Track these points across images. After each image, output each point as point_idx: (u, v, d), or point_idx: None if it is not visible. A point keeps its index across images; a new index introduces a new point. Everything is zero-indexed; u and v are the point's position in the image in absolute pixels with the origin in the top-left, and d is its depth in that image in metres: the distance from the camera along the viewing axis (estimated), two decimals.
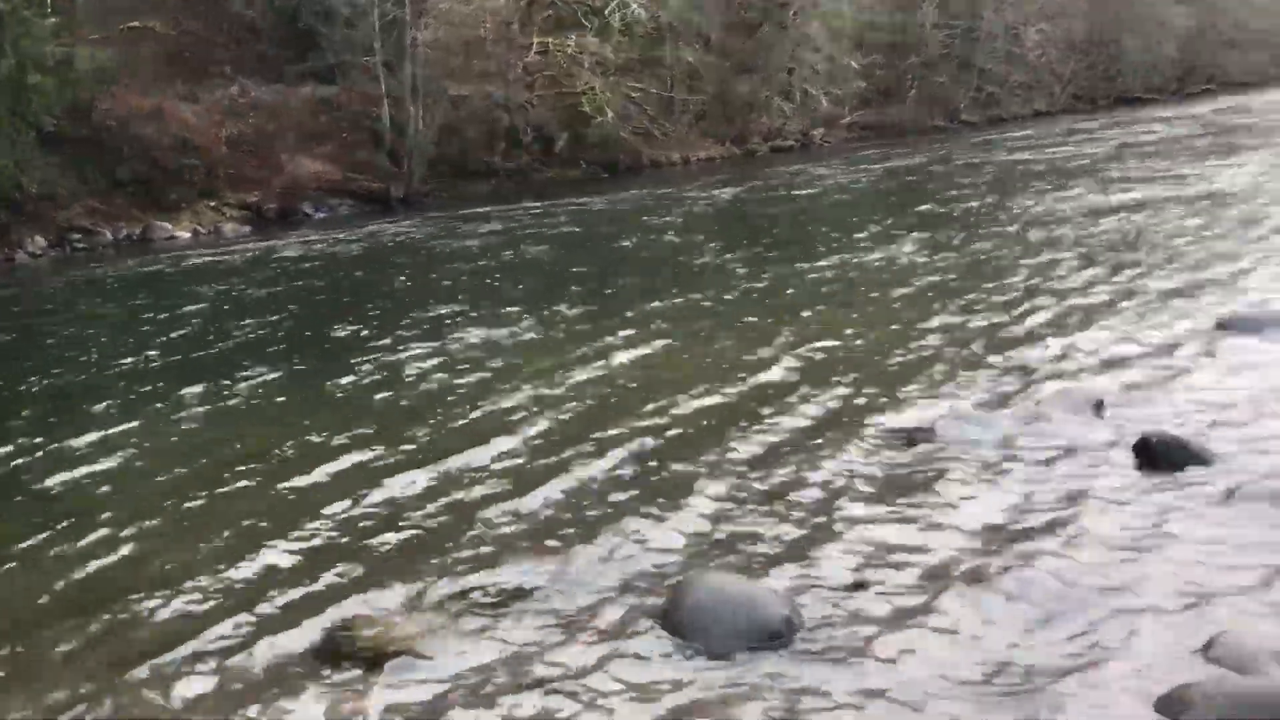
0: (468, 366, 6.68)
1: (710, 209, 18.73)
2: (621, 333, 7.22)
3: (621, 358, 6.53)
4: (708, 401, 5.12)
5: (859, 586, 2.93)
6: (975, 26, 43.80)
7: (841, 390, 5.16)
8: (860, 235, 11.38)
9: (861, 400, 4.93)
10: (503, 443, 4.77)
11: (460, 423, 5.21)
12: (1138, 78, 50.47)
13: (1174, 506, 3.41)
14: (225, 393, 6.54)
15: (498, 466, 4.53)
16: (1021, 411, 4.45)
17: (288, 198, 26.95)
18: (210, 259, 18.27)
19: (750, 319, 7.27)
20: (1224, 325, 5.55)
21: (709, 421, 4.82)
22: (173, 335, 9.03)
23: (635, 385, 5.75)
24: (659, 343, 6.78)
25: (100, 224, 23.23)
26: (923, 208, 14.68)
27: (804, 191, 20.96)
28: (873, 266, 9.08)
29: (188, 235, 23.89)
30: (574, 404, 5.43)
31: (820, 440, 4.40)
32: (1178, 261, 7.85)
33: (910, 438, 4.20)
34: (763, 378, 5.47)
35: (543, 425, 5.06)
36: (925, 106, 43.64)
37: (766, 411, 4.91)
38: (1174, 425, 4.06)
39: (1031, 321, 6.14)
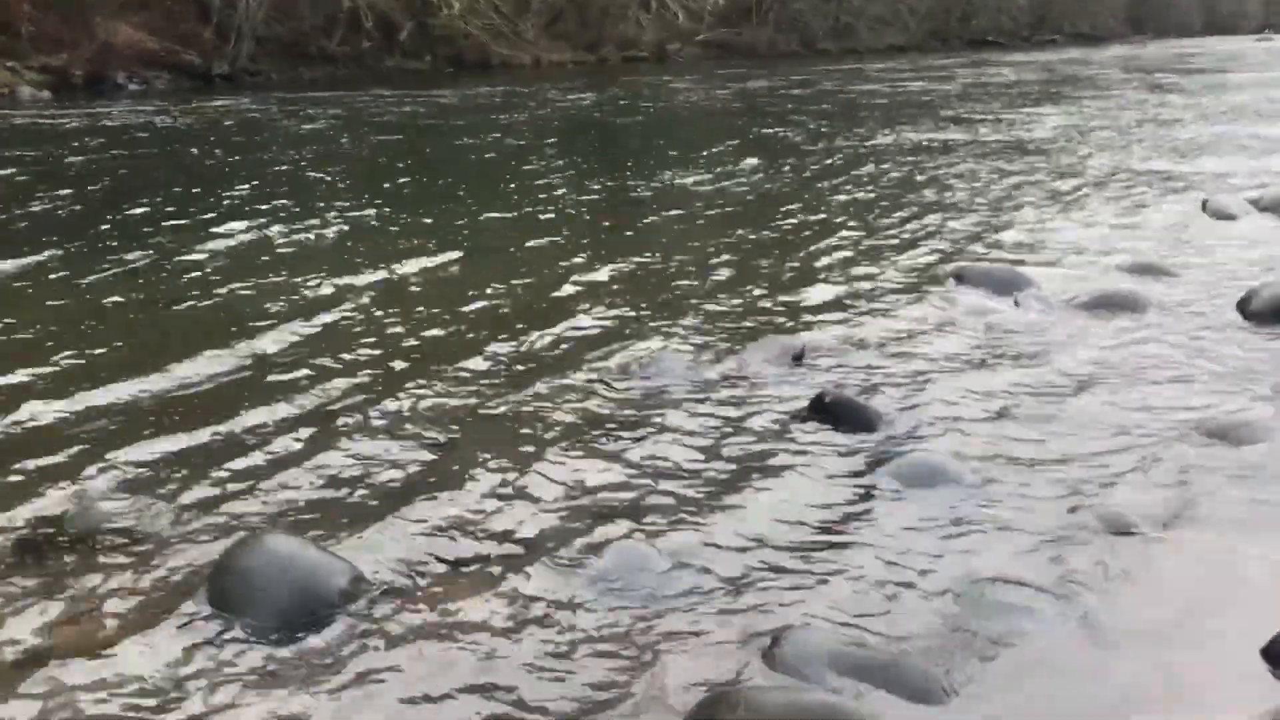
0: (244, 263, 6.13)
1: (555, 115, 18.13)
2: (419, 238, 6.77)
3: (410, 265, 6.09)
4: (439, 329, 4.74)
5: (456, 565, 2.61)
6: None
7: (581, 321, 4.83)
8: (691, 155, 11.16)
9: (591, 332, 4.61)
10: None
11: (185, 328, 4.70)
12: (990, 21, 51.32)
13: (813, 469, 3.21)
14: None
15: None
16: (726, 356, 4.19)
17: (98, 64, 25.06)
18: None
19: (550, 235, 6.90)
20: (959, 277, 5.41)
21: (432, 348, 4.44)
22: None
23: (404, 298, 5.33)
24: (452, 253, 6.36)
25: None
26: (758, 132, 14.47)
27: (652, 106, 20.46)
28: (686, 190, 8.83)
29: None
30: (326, 314, 4.98)
31: (519, 371, 4.08)
32: (961, 208, 7.78)
33: (605, 379, 3.91)
34: (506, 302, 5.11)
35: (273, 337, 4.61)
36: (783, 31, 43.45)
37: (489, 339, 4.56)
38: (861, 383, 3.85)
39: (785, 263, 5.93)
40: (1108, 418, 3.63)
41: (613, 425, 3.64)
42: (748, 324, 4.90)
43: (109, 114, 19.03)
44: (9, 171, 10.64)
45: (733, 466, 3.31)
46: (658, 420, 3.68)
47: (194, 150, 13.30)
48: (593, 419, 3.70)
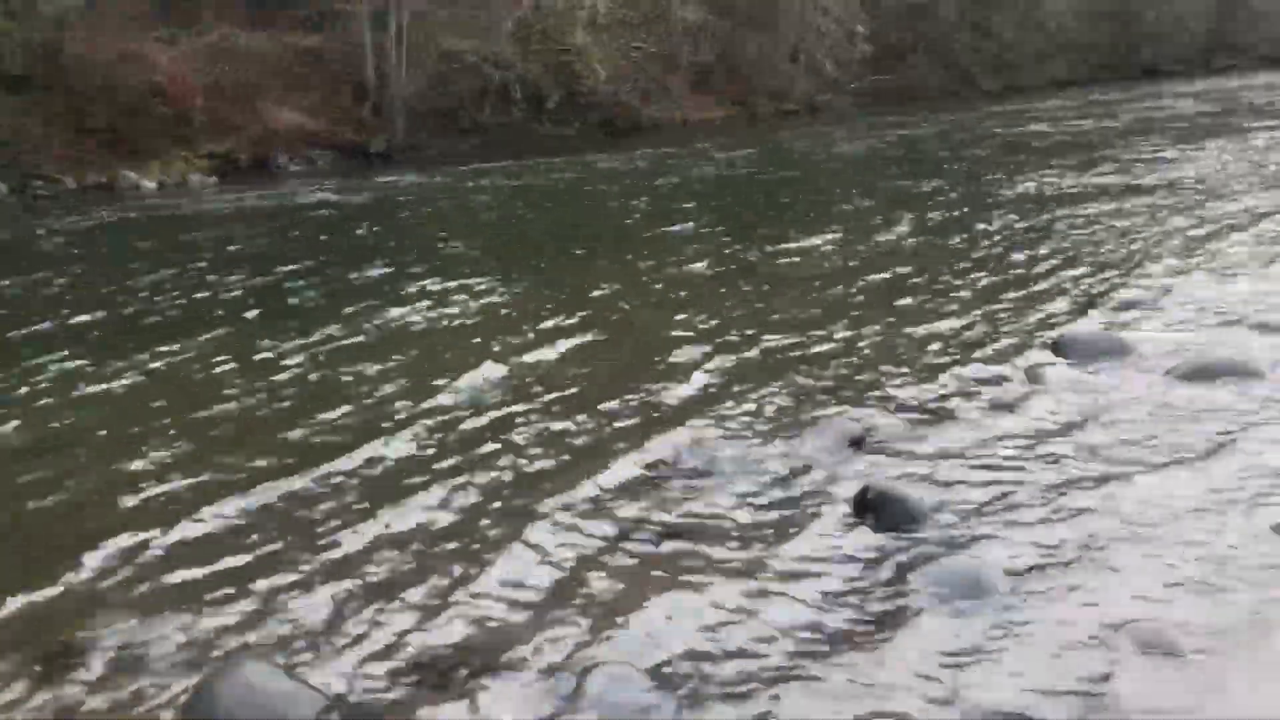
0: (395, 343, 6.15)
1: (699, 177, 18.09)
2: (562, 316, 6.63)
3: (555, 344, 5.98)
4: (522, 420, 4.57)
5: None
6: None
7: (657, 396, 4.59)
8: (816, 216, 10.87)
9: (653, 411, 4.37)
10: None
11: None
12: (1162, 50, 48.97)
13: (843, 570, 2.85)
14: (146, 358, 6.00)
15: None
16: (784, 438, 3.86)
17: (262, 147, 26.39)
18: (167, 211, 17.73)
19: (664, 309, 6.70)
20: (1056, 348, 4.91)
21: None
22: (100, 294, 8.39)
23: (537, 379, 5.20)
24: (591, 330, 6.23)
25: (65, 171, 22.77)
26: (892, 185, 14.01)
27: (797, 162, 20.20)
28: (805, 252, 8.50)
29: (154, 185, 23.40)
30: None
31: (586, 458, 3.86)
32: (1089, 261, 7.23)
33: (651, 465, 3.65)
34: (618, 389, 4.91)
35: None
36: (938, 72, 42.55)
37: (579, 420, 4.35)
38: (918, 474, 3.46)
39: (867, 330, 5.55)
40: (1178, 523, 3.12)
41: (637, 519, 3.36)
42: (820, 399, 4.54)
43: (270, 194, 19.93)
44: (176, 255, 11.11)
45: (757, 567, 3.00)
46: (693, 512, 3.39)
47: (352, 227, 13.68)
48: (620, 517, 3.42)
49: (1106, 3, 46.92)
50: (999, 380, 4.62)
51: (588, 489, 3.65)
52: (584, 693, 2.40)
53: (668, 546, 3.16)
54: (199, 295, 8.40)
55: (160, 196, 21.57)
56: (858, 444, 3.84)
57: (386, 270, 8.99)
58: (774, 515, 3.38)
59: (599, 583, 2.98)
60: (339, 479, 3.95)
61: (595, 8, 31.52)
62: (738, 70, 38.16)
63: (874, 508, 3.21)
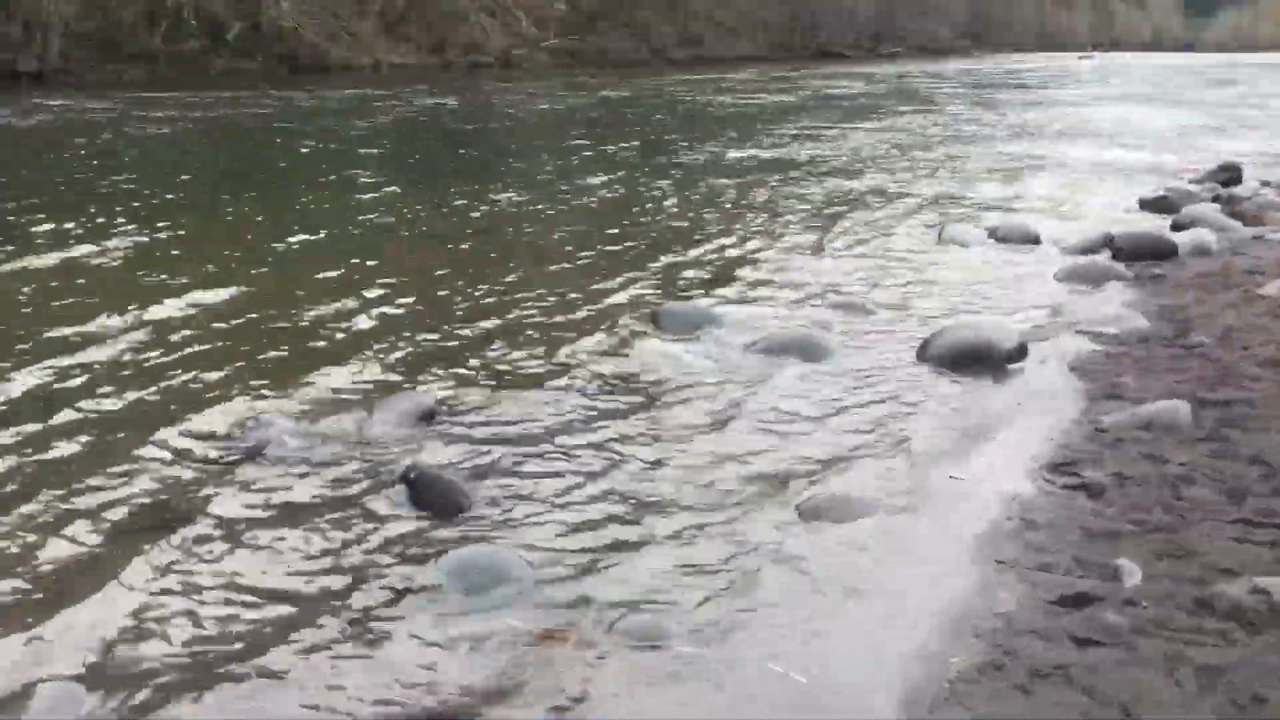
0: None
1: (399, 121, 17.59)
2: (181, 271, 6.33)
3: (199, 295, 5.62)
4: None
5: None
6: None
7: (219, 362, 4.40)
8: (496, 174, 10.88)
9: (217, 377, 4.20)
10: None
11: None
12: (835, 34, 52.30)
13: (368, 553, 2.89)
14: None
15: None
16: (351, 412, 3.83)
17: None
18: None
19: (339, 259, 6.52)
20: (655, 319, 5.16)
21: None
22: None
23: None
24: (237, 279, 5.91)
25: None
26: (576, 144, 14.24)
27: (504, 113, 20.00)
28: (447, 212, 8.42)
29: None
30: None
31: (131, 428, 3.65)
32: (691, 236, 7.59)
33: (198, 444, 3.51)
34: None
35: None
36: (632, 40, 43.46)
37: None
38: (485, 451, 3.53)
39: (463, 298, 5.64)
40: (705, 502, 3.35)
41: (164, 510, 3.23)
42: (412, 367, 4.55)
43: None
44: None
45: (283, 554, 2.96)
46: (219, 496, 3.29)
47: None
48: (149, 505, 3.28)
49: None
50: (590, 349, 4.79)
51: (119, 466, 3.49)
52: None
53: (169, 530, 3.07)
54: None
55: None
56: (428, 418, 3.87)
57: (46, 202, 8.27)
58: (317, 491, 3.35)
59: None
60: None
61: None
62: (432, 18, 37.45)
63: (416, 488, 3.25)
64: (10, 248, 6.95)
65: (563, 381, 4.40)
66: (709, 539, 3.07)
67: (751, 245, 7.43)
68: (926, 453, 3.67)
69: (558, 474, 3.51)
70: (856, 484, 3.41)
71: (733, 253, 7.18)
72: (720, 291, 5.99)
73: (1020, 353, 4.70)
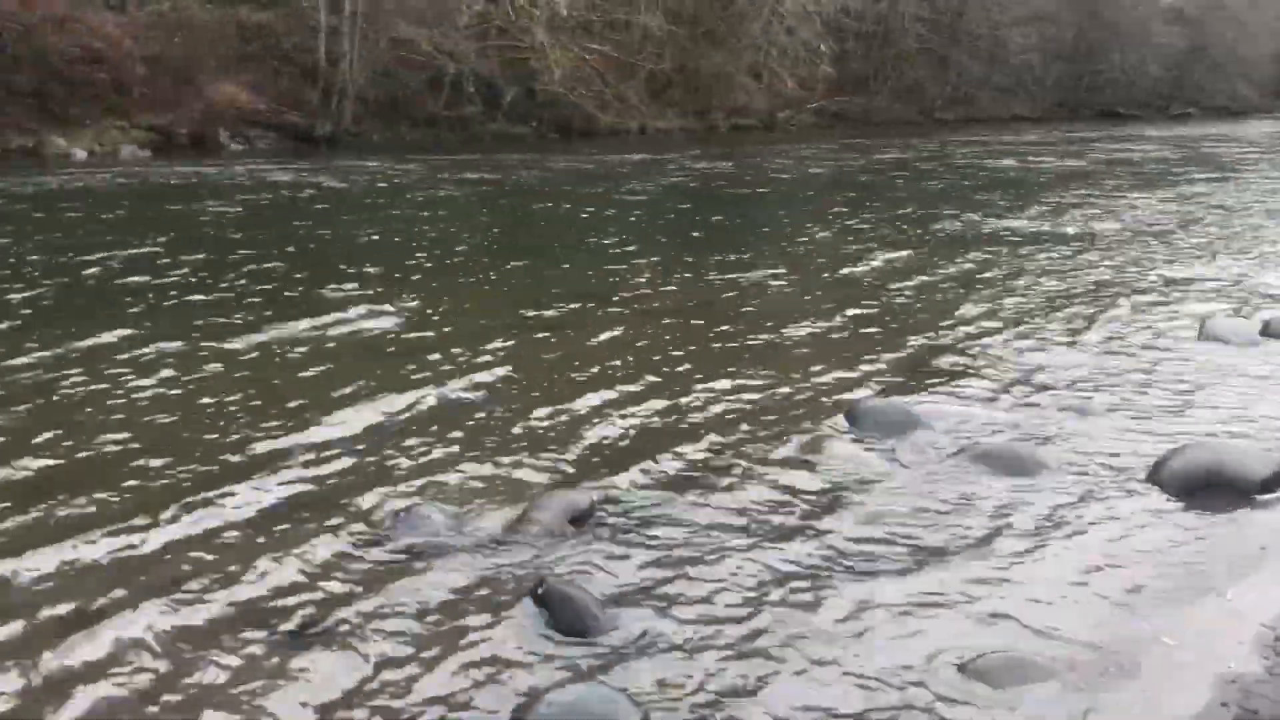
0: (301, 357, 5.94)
1: (660, 186, 17.90)
2: (501, 340, 6.47)
3: (498, 366, 5.84)
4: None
5: None
6: (957, 24, 42.72)
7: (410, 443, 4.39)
8: (756, 245, 10.73)
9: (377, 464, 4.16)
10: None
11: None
12: (1122, 93, 49.42)
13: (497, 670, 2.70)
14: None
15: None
16: (503, 509, 3.69)
17: (203, 123, 25.91)
18: (90, 182, 17.27)
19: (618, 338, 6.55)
20: (850, 416, 4.77)
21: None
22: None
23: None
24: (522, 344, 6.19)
25: None
26: (841, 211, 13.93)
27: (763, 178, 20.01)
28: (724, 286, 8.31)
29: (84, 154, 22.90)
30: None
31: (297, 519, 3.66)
32: (928, 320, 7.07)
33: (350, 530, 3.45)
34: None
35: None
36: (899, 100, 42.67)
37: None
38: (620, 561, 3.31)
39: (675, 389, 5.38)
40: (866, 638, 2.97)
41: (294, 606, 3.16)
42: (570, 461, 4.36)
43: (195, 171, 19.54)
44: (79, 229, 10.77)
45: (418, 666, 2.81)
46: (358, 593, 3.18)
47: (288, 215, 13.36)
48: (294, 602, 3.22)
49: (1070, 42, 47.25)
50: (771, 452, 4.45)
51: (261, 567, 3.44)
52: None
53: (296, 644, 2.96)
54: (94, 278, 8.22)
55: (88, 166, 21.11)
56: (581, 520, 3.66)
57: (299, 273, 8.68)
58: (447, 599, 3.18)
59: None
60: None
61: (556, 7, 31.26)
62: (697, 82, 38.05)
63: (548, 605, 3.02)
64: (272, 311, 7.26)
65: (737, 487, 4.09)
66: (850, 690, 2.69)
67: (984, 330, 6.86)
68: (1132, 606, 3.13)
69: (706, 598, 3.21)
70: (1038, 641, 2.93)
71: (961, 338, 6.64)
72: (934, 384, 5.51)
73: (1275, 482, 4.02)
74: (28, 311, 7.11)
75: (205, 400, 5.10)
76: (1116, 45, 48.13)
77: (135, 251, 9.60)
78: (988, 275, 8.99)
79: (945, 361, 6.02)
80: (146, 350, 5.99)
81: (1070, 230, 11.89)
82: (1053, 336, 6.66)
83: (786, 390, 5.44)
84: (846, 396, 5.30)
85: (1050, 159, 24.41)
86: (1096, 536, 3.63)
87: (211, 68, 27.02)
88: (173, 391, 5.24)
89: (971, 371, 5.81)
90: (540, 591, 3.07)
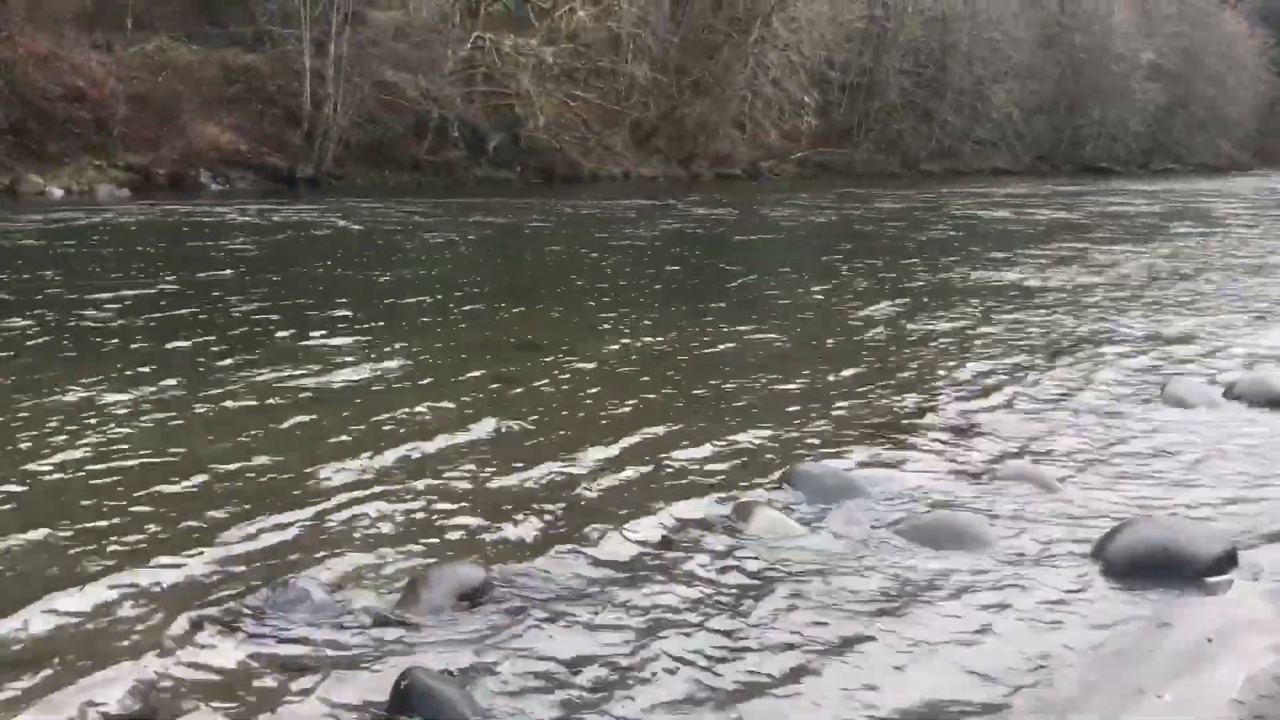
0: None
1: (642, 233, 17.78)
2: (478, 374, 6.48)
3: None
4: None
5: None
6: (941, 78, 43.01)
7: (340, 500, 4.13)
8: (766, 288, 10.50)
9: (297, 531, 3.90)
10: None
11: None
12: (1104, 148, 49.77)
13: None
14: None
15: None
16: (392, 584, 3.43)
17: (182, 164, 25.79)
18: (67, 221, 17.03)
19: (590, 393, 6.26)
20: (788, 479, 4.54)
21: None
22: None
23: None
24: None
25: None
26: (819, 262, 13.83)
27: (744, 227, 19.87)
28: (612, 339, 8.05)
29: (60, 193, 22.72)
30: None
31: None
32: (891, 374, 6.86)
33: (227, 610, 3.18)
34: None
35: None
36: (882, 151, 42.88)
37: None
38: (511, 653, 3.05)
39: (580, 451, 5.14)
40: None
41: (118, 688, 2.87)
42: (466, 529, 4.10)
43: (170, 211, 19.34)
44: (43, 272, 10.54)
45: None
46: (197, 691, 2.90)
47: (260, 254, 13.15)
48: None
49: (1051, 97, 47.63)
50: (696, 520, 4.19)
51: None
52: None
53: None
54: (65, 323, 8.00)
55: (64, 205, 20.91)
56: (471, 597, 3.39)
57: (274, 316, 8.47)
58: (299, 700, 2.90)
59: None
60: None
61: (542, 55, 31.33)
62: (682, 130, 38.17)
63: (409, 703, 2.74)
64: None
65: (651, 560, 3.83)
66: None
67: (941, 389, 6.67)
68: (1057, 708, 2.86)
69: (600, 698, 2.92)
70: None
71: (918, 397, 6.43)
72: (881, 445, 5.27)
73: (1227, 562, 3.78)
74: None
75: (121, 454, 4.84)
76: (1098, 101, 48.57)
77: (105, 294, 9.35)
78: (955, 330, 8.82)
79: (898, 422, 5.80)
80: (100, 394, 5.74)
81: (1044, 284, 11.76)
82: (1012, 398, 6.45)
83: (728, 448, 5.20)
84: (792, 455, 5.07)
85: (1032, 212, 24.41)
86: (1026, 625, 3.38)
87: (194, 108, 26.94)
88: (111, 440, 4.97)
89: (922, 433, 5.58)
90: (403, 686, 2.78)
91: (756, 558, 3.87)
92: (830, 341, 8.36)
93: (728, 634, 3.27)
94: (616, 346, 7.84)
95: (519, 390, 6.36)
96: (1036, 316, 9.62)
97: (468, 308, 9.67)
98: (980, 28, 43.53)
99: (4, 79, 22.96)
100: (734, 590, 3.61)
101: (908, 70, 42.11)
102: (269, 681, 2.93)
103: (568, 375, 6.80)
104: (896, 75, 41.67)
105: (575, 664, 3.06)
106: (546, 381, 6.59)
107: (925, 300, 10.51)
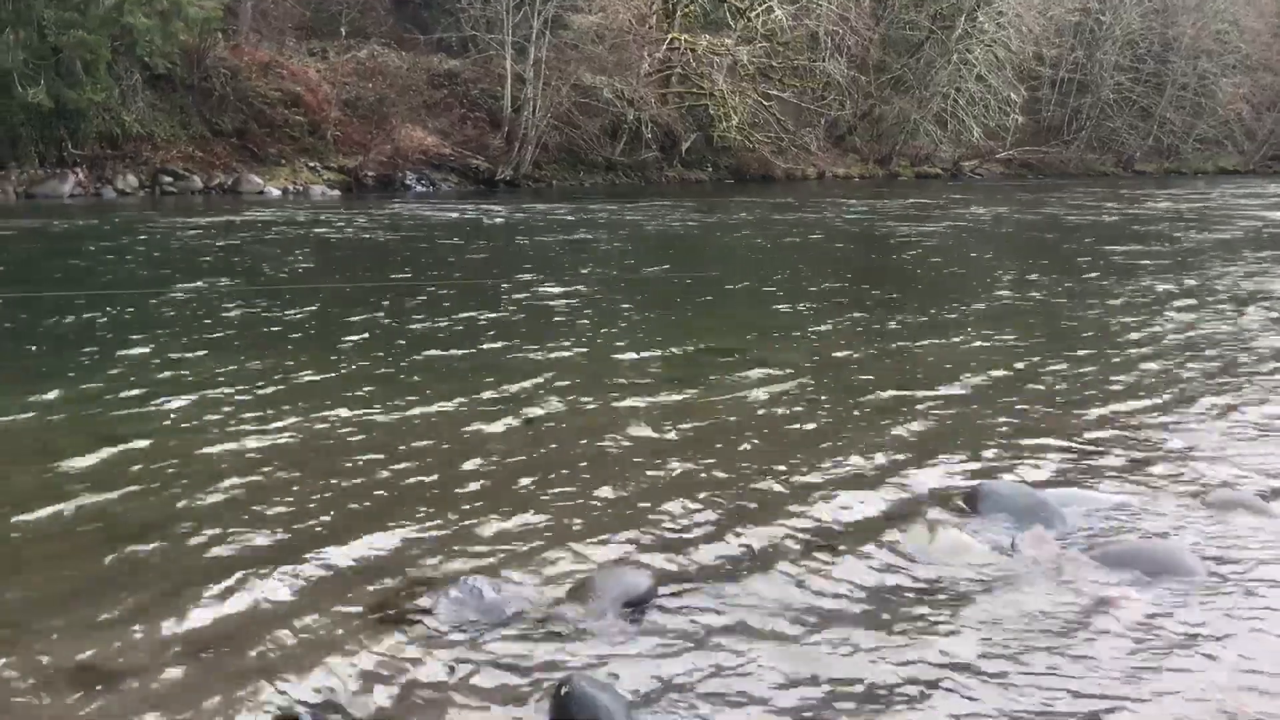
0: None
1: (838, 234, 17.60)
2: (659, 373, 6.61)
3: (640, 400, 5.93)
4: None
5: None
6: (1161, 72, 40.62)
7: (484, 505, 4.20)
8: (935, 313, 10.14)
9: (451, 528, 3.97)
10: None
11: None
12: None
13: None
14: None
15: None
16: (558, 586, 3.43)
17: (389, 166, 26.93)
18: (281, 217, 18.06)
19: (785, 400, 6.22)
20: (971, 499, 4.32)
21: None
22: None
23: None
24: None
25: (193, 170, 23.61)
26: (1020, 269, 13.27)
27: (942, 229, 19.30)
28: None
29: (277, 193, 24.08)
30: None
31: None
32: (1076, 394, 6.46)
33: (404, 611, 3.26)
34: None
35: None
36: (1094, 150, 40.87)
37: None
38: (675, 662, 2.99)
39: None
40: None
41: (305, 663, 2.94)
42: (630, 538, 4.04)
43: (380, 212, 20.17)
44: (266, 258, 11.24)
45: None
46: (376, 679, 2.95)
47: (457, 254, 13.65)
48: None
49: None
50: (875, 536, 4.02)
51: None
52: None
53: None
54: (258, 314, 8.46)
55: (280, 203, 22.16)
56: (637, 604, 3.33)
57: (460, 314, 8.77)
58: (455, 684, 2.90)
59: None
60: None
61: (738, 54, 31.23)
62: (880, 129, 37.40)
63: (568, 709, 2.70)
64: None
65: (827, 574, 3.69)
66: None
67: (1141, 402, 6.23)
68: None
69: (767, 710, 2.83)
70: None
71: (1112, 412, 6.02)
72: (1069, 464, 4.95)
73: None
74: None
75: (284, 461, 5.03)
76: None
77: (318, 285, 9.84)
78: (1162, 341, 8.25)
79: (1095, 438, 5.44)
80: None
81: (1268, 295, 10.89)
82: (1223, 415, 5.96)
83: (910, 461, 4.99)
84: (973, 472, 4.83)
85: (1266, 217, 22.72)
86: (1236, 662, 3.09)
87: (402, 113, 28.10)
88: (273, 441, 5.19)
89: (1121, 451, 5.22)
90: (563, 693, 2.75)
91: (938, 579, 3.68)
92: (1025, 349, 7.95)
93: (901, 662, 3.11)
94: (796, 352, 7.68)
95: (697, 395, 6.28)
96: (1257, 330, 8.90)
97: (652, 312, 9.68)
98: (1207, 18, 40.94)
99: (230, 85, 24.43)
100: (912, 617, 3.43)
101: (1124, 65, 39.99)
102: (435, 679, 2.96)
103: (749, 380, 6.69)
104: (1111, 70, 39.63)
105: (738, 680, 2.96)
106: (728, 387, 6.50)
107: (1133, 308, 9.90)
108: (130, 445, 4.95)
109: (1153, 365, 7.34)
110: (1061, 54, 38.47)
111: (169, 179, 23.19)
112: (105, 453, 4.83)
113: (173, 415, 5.50)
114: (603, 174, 31.13)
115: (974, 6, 34.77)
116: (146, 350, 7.16)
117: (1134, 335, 8.52)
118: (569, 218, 19.85)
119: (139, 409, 5.62)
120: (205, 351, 7.13)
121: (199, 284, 10.22)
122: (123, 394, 5.92)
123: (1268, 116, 43.72)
